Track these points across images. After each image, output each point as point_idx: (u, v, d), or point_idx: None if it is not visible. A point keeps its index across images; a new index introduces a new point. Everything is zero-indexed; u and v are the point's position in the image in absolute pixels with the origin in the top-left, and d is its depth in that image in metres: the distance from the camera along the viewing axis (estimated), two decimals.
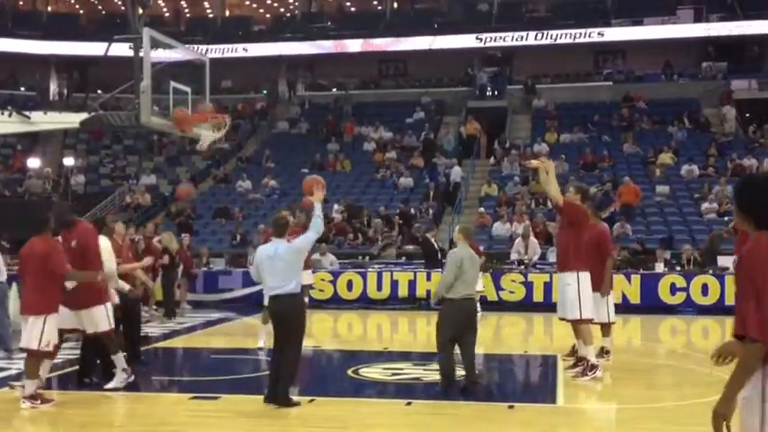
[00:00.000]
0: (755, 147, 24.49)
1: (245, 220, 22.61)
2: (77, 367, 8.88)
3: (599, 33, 31.44)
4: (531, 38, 31.84)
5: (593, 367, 8.94)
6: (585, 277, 9.03)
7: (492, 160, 25.78)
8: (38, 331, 7.48)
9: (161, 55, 13.15)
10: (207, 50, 22.02)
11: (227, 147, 28.33)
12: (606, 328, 9.81)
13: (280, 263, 7.53)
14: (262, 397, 7.77)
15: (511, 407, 7.81)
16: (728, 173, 22.61)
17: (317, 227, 7.71)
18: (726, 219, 19.87)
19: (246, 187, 25.33)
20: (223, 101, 29.11)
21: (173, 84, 13.23)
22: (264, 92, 33.73)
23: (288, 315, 7.59)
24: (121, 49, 13.61)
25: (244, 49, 33.85)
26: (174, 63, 14.10)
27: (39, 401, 7.52)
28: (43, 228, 7.73)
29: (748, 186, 3.71)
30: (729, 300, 15.68)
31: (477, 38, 32.27)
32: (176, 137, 23.39)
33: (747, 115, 27.26)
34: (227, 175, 26.85)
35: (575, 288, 9.02)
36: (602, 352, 9.66)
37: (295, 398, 7.70)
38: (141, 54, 12.32)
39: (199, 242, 20.20)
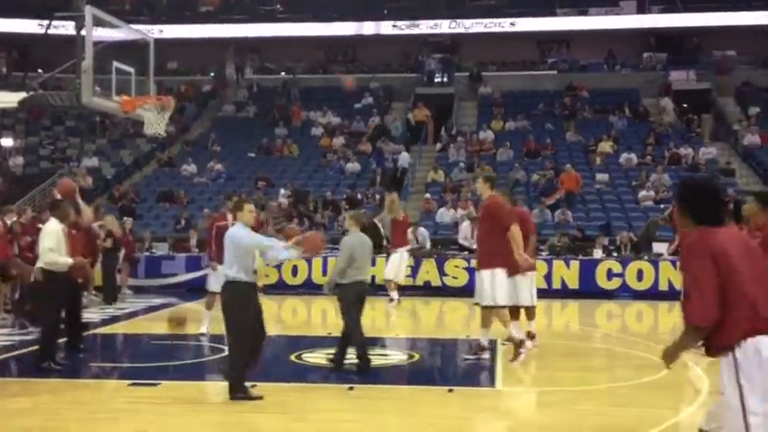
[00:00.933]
0: (692, 137, 25.15)
1: (190, 205, 22.41)
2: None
3: (544, 22, 31.83)
4: (478, 26, 32.07)
5: (521, 343, 9.19)
6: (501, 272, 9.15)
7: (438, 146, 25.97)
8: None
9: (104, 34, 12.95)
10: (152, 31, 21.69)
11: (173, 130, 27.96)
12: (530, 311, 9.95)
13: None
14: (202, 383, 7.77)
15: (450, 390, 7.97)
16: (665, 162, 23.20)
17: (275, 253, 7.52)
18: (662, 206, 20.41)
19: (192, 171, 25.09)
20: (168, 82, 28.75)
21: (116, 64, 13.04)
22: (211, 74, 33.35)
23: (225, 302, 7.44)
24: (63, 28, 13.36)
25: (190, 30, 33.36)
26: (118, 43, 13.89)
27: None
28: None
29: (685, 188, 4.08)
30: (663, 285, 16.19)
31: (425, 24, 32.37)
32: (120, 118, 23.03)
33: (685, 106, 27.93)
34: (172, 159, 26.54)
35: (489, 280, 9.14)
36: (529, 336, 9.85)
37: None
38: (83, 33, 12.12)
39: (142, 226, 19.97)
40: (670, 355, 3.87)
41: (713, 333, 3.63)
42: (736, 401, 3.56)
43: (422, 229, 18.00)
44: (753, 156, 23.78)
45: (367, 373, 8.52)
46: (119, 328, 12.58)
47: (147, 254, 18.16)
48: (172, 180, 24.70)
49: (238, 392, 7.27)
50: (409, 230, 16.63)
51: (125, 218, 18.50)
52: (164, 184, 24.19)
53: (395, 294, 15.04)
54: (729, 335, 3.60)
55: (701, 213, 3.86)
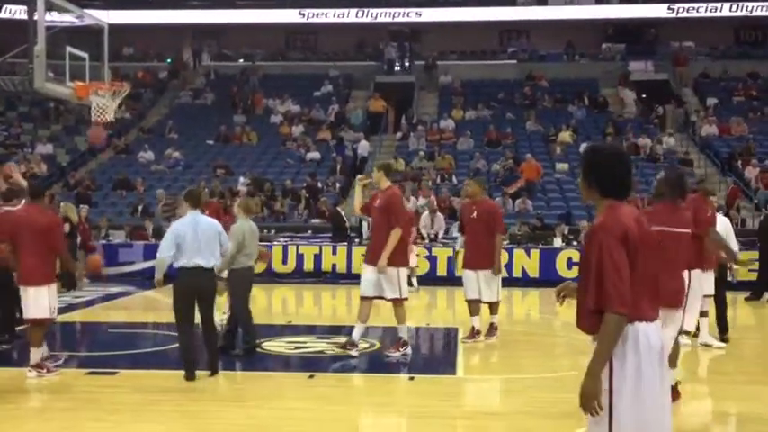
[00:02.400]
0: (650, 127, 25.44)
1: (147, 192, 22.08)
2: None
3: (504, 12, 31.92)
4: (438, 14, 32.04)
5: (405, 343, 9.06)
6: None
7: (399, 135, 25.92)
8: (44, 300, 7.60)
9: (57, 18, 12.66)
10: (106, 15, 21.23)
11: (128, 117, 27.52)
12: (495, 306, 9.88)
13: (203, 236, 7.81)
14: (161, 372, 7.64)
15: (411, 378, 7.95)
16: None
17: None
18: None
19: (148, 158, 24.71)
20: (124, 68, 28.26)
21: (69, 49, 12.75)
22: (168, 60, 32.84)
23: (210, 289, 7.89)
24: (15, 11, 13.01)
25: (147, 15, 32.78)
26: (72, 27, 13.59)
27: (44, 370, 7.65)
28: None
29: (593, 156, 3.81)
30: None
31: (386, 12, 32.24)
32: (74, 105, 22.55)
33: (643, 96, 28.24)
34: (128, 146, 26.11)
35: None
36: (492, 329, 9.84)
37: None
38: (36, 17, 11.82)
39: (97, 214, 19.62)
40: (598, 371, 3.44)
41: (596, 316, 3.46)
42: (605, 382, 3.44)
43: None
44: (710, 146, 24.14)
45: (252, 358, 8.72)
46: (76, 317, 12.34)
47: (104, 242, 17.86)
48: (128, 167, 24.30)
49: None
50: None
51: (81, 205, 18.16)
52: (120, 171, 23.78)
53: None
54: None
55: (609, 184, 3.65)
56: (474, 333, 9.68)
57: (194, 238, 7.73)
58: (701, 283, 6.99)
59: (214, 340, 8.03)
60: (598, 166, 3.71)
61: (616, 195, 3.66)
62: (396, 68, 31.34)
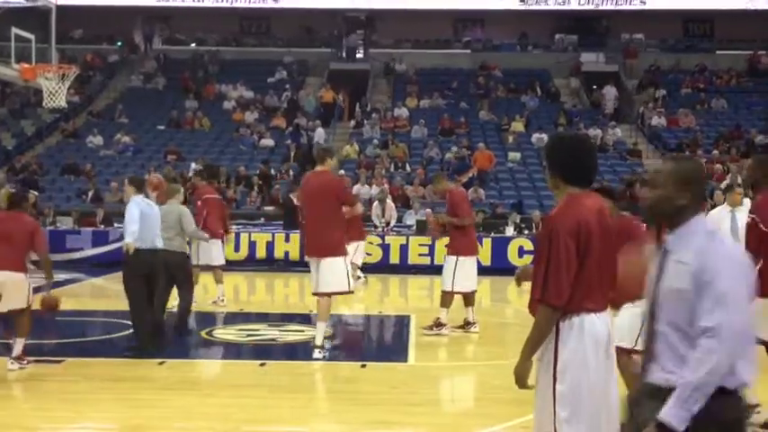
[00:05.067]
0: (599, 117, 25.79)
1: (97, 177, 21.68)
2: None
3: (459, 1, 31.96)
4: (393, 2, 31.97)
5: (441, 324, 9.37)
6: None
7: (353, 123, 25.86)
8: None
9: None
10: None
11: (77, 100, 26.95)
12: (470, 296, 9.83)
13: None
14: (109, 360, 7.53)
15: (363, 365, 7.96)
16: None
17: None
18: None
19: (97, 143, 24.26)
20: (72, 51, 27.66)
21: (15, 30, 12.43)
22: (119, 44, 32.22)
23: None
24: None
25: None
26: (18, 8, 13.25)
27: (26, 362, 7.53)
28: None
29: (558, 143, 3.90)
30: None
31: None
32: (19, 87, 22.03)
33: (594, 87, 28.59)
34: (77, 130, 25.57)
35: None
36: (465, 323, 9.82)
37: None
38: None
39: (44, 199, 19.22)
40: (528, 355, 3.54)
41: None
42: (549, 370, 3.52)
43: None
44: (659, 137, 24.56)
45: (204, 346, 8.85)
46: None
47: (51, 228, 17.48)
48: (76, 152, 23.83)
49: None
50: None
51: (30, 191, 17.79)
52: (68, 156, 23.31)
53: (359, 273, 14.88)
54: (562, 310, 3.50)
55: (572, 172, 3.65)
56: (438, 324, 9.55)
57: (152, 220, 8.05)
58: None
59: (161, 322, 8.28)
60: (562, 154, 3.73)
61: (579, 183, 3.67)
62: (356, 55, 31.21)
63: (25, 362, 7.49)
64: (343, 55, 31.48)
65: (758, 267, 5.44)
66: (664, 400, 2.75)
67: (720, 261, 2.79)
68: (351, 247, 14.51)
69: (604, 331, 3.59)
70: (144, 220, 7.99)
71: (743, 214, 7.40)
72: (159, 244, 8.24)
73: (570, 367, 3.49)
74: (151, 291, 8.14)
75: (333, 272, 8.09)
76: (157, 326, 8.26)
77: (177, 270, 8.90)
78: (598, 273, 3.56)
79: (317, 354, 8.01)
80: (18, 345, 7.49)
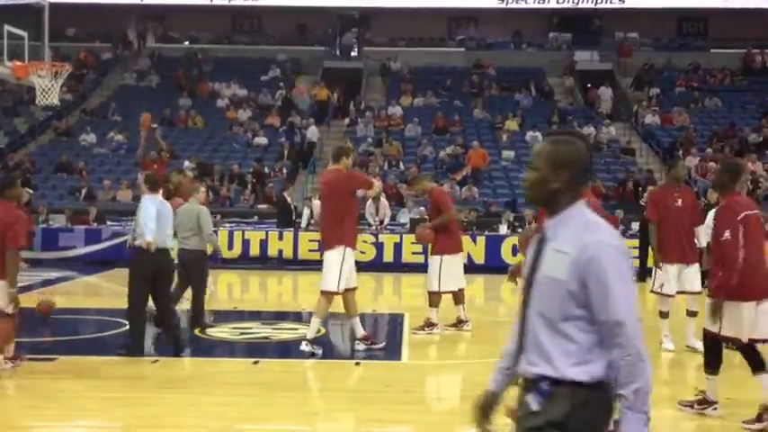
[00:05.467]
0: (593, 116, 25.82)
1: (90, 176, 21.62)
2: None
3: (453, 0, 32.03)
4: (387, 1, 31.96)
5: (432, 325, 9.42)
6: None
7: (347, 121, 25.83)
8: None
9: None
10: None
11: (70, 98, 26.87)
12: (459, 295, 9.81)
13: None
14: (102, 358, 7.51)
15: (357, 364, 7.95)
16: None
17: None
18: None
19: (91, 141, 24.19)
20: (66, 49, 27.57)
21: (8, 28, 12.38)
22: (112, 42, 32.11)
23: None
24: None
25: None
26: (11, 5, 13.19)
27: (19, 360, 7.34)
28: None
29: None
30: None
31: None
32: (13, 85, 21.94)
33: (588, 85, 28.63)
34: (70, 128, 25.50)
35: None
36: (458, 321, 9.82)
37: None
38: None
39: (38, 197, 19.17)
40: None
41: None
42: None
43: (317, 202, 17.94)
44: (652, 135, 24.59)
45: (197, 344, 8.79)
46: None
47: (44, 226, 17.45)
48: (69, 150, 23.75)
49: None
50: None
51: (26, 189, 17.76)
52: (61, 154, 23.24)
53: None
54: None
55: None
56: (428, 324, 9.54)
57: (164, 219, 8.04)
58: None
59: (171, 321, 8.23)
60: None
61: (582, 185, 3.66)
62: (352, 54, 31.19)
63: (19, 361, 7.34)
64: (338, 53, 31.44)
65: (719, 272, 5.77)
66: (526, 391, 2.67)
67: (604, 250, 2.60)
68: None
69: None
70: (157, 219, 7.92)
71: None
72: (169, 243, 8.21)
73: None
74: (156, 291, 8.05)
75: (327, 269, 8.14)
76: (167, 325, 8.18)
77: (192, 268, 9.15)
78: None
79: (303, 346, 8.05)
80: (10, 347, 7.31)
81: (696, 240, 8.22)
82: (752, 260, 5.67)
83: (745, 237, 5.68)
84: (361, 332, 8.47)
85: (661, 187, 8.07)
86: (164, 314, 8.19)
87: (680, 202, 8.13)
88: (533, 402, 2.63)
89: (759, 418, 5.77)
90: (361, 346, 8.40)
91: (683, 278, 8.24)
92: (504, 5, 31.72)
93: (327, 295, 8.23)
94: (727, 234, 5.71)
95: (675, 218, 8.13)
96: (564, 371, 2.60)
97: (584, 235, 2.64)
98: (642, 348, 2.58)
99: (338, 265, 8.08)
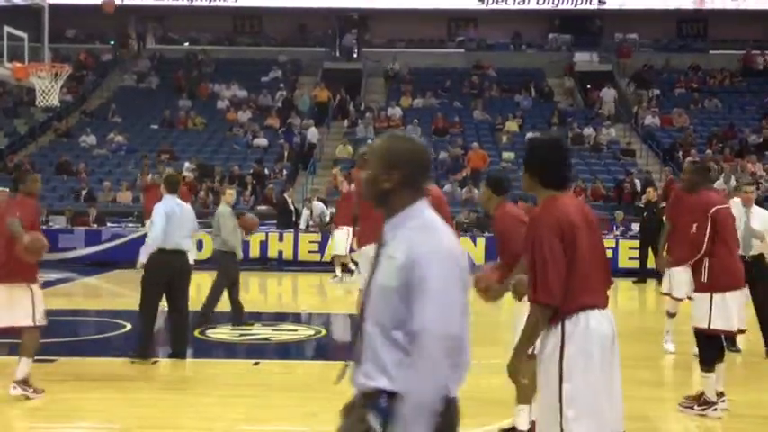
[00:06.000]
0: (593, 117, 25.82)
1: (90, 177, 21.62)
2: None
3: (453, 1, 31.98)
4: (387, 2, 31.97)
5: None
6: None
7: (347, 122, 25.83)
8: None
9: None
10: None
11: (70, 99, 26.88)
12: None
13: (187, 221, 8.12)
14: (101, 359, 7.50)
15: None
16: (569, 141, 23.74)
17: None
18: None
19: (91, 142, 24.18)
20: (66, 50, 27.57)
21: (7, 29, 12.39)
22: (112, 43, 32.13)
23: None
24: None
25: None
26: (10, 7, 13.19)
27: (31, 389, 6.51)
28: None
29: (534, 147, 3.93)
30: None
31: None
32: (13, 86, 21.95)
33: (588, 87, 28.63)
34: (70, 129, 25.51)
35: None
36: None
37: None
38: None
39: (38, 199, 19.13)
40: (521, 351, 3.64)
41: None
42: (555, 369, 3.53)
43: (317, 204, 17.99)
44: (652, 137, 24.59)
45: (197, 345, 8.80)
46: None
47: (44, 227, 17.42)
48: (69, 151, 23.75)
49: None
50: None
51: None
52: (61, 155, 23.24)
53: (338, 271, 14.92)
54: (563, 307, 3.52)
55: (549, 175, 3.71)
56: None
57: (180, 220, 7.95)
58: None
59: (185, 324, 8.17)
60: (538, 157, 3.78)
61: (556, 186, 3.72)
62: (353, 55, 31.20)
63: (31, 390, 6.49)
64: (337, 54, 31.44)
65: (706, 264, 6.06)
66: (364, 407, 2.48)
67: (429, 256, 2.42)
68: (342, 233, 14.56)
69: (609, 328, 3.62)
70: (170, 220, 7.77)
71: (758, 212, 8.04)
72: (185, 245, 7.99)
73: (577, 366, 3.51)
74: (171, 292, 7.92)
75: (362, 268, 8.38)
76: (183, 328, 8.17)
77: (217, 268, 9.58)
78: (591, 266, 3.60)
79: None
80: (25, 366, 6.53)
81: None
82: (722, 252, 6.03)
83: (714, 230, 6.04)
84: None
85: (681, 188, 8.01)
86: (180, 316, 8.04)
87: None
88: (374, 421, 2.43)
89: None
90: None
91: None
92: (484, 6, 31.62)
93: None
94: (694, 228, 6.09)
95: (687, 218, 8.03)
96: (399, 383, 2.43)
97: (414, 239, 2.46)
98: (439, 365, 2.38)
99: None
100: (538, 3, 31.86)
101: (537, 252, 3.55)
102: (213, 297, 9.54)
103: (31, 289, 6.47)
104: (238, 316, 9.63)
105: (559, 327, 3.54)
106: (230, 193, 10.15)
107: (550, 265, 3.51)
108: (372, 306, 2.52)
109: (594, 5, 31.58)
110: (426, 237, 2.47)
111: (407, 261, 2.43)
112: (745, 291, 6.91)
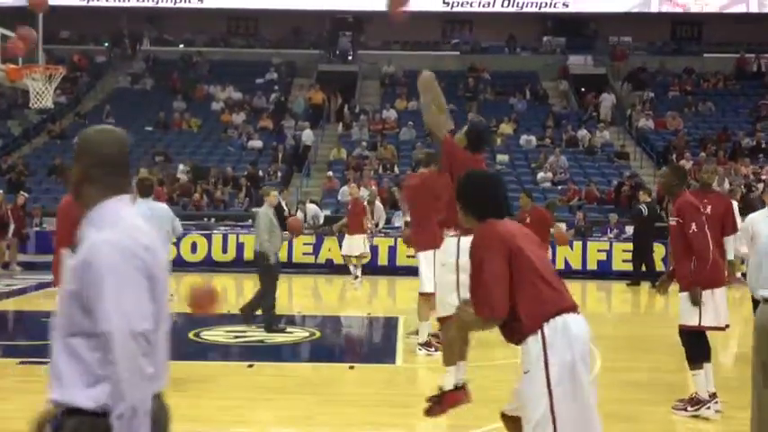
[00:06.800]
0: (588, 120, 25.87)
1: None
2: None
3: (445, 3, 32.00)
4: (381, 4, 31.88)
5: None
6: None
7: (341, 125, 25.84)
8: None
9: None
10: None
11: (64, 101, 26.83)
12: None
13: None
14: None
15: (351, 367, 7.96)
16: (563, 144, 23.80)
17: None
18: (559, 187, 20.97)
19: None
20: (59, 52, 27.52)
21: (1, 30, 12.37)
22: (106, 44, 32.10)
23: None
24: None
25: None
26: (4, 7, 13.17)
27: None
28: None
29: (466, 183, 3.92)
30: (560, 264, 16.63)
31: (330, 1, 31.99)
32: (7, 88, 21.89)
33: (582, 89, 28.69)
34: (64, 131, 25.46)
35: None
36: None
37: None
38: None
39: (31, 201, 19.14)
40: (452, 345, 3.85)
41: (516, 319, 3.56)
42: (541, 375, 3.49)
43: (311, 206, 18.01)
44: (646, 139, 24.65)
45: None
46: (8, 305, 12.03)
47: (38, 229, 17.43)
48: (64, 153, 23.69)
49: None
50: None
51: (21, 192, 17.82)
52: (55, 157, 23.19)
53: (358, 271, 14.97)
54: (536, 315, 3.52)
55: (484, 209, 3.75)
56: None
57: (152, 223, 7.76)
58: None
59: None
60: (472, 193, 3.82)
61: (496, 217, 3.75)
62: (348, 57, 31.21)
63: None
64: (335, 55, 31.45)
65: (692, 264, 6.10)
66: (47, 420, 2.34)
67: (103, 251, 2.27)
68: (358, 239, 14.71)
69: (581, 331, 3.61)
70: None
71: None
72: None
73: (565, 369, 3.50)
74: None
75: (420, 270, 8.31)
76: None
77: (260, 268, 9.67)
78: (548, 274, 3.64)
79: (418, 351, 8.45)
80: None
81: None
82: (712, 250, 6.14)
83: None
84: (423, 338, 8.57)
85: (690, 193, 7.75)
86: None
87: (708, 209, 7.16)
88: None
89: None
90: (422, 351, 8.48)
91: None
92: (442, 8, 31.62)
93: (424, 297, 8.29)
94: (694, 227, 6.06)
95: None
96: (72, 396, 2.27)
97: (92, 237, 2.31)
98: (137, 366, 2.25)
99: (430, 266, 8.12)
100: (469, 6, 31.78)
101: (477, 272, 3.62)
102: (269, 298, 9.66)
103: None
104: (249, 315, 9.68)
105: (539, 334, 3.52)
106: (273, 195, 10.09)
107: (493, 282, 3.54)
108: (59, 311, 2.36)
109: (588, 8, 31.57)
110: (104, 234, 2.30)
111: (83, 261, 2.28)
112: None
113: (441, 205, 8.03)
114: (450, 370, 5.68)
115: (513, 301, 3.53)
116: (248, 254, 16.97)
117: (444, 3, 31.79)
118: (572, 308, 3.62)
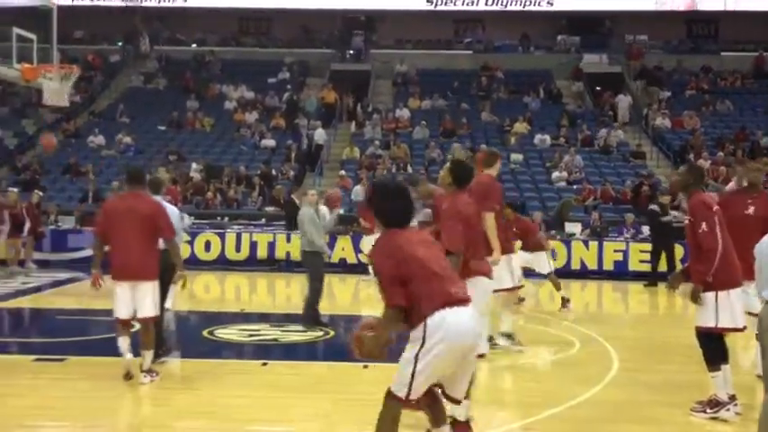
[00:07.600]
0: (604, 119, 25.70)
1: (98, 178, 21.65)
2: None
3: (460, 1, 31.91)
4: (394, 3, 31.91)
5: None
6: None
7: (354, 124, 25.80)
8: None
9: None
10: None
11: (78, 100, 26.93)
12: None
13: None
14: (109, 359, 7.49)
15: (365, 366, 7.89)
16: (578, 143, 23.66)
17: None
18: (574, 187, 20.84)
19: (99, 143, 24.22)
20: (74, 51, 27.63)
21: (16, 30, 12.41)
22: (119, 44, 32.21)
23: None
24: None
25: None
26: (19, 8, 13.23)
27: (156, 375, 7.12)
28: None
29: (373, 193, 4.52)
30: (576, 264, 16.61)
31: (342, 0, 31.97)
32: (22, 87, 21.99)
33: (598, 88, 28.51)
34: (78, 130, 25.56)
35: None
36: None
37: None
38: None
39: (46, 199, 19.19)
40: (378, 340, 4.40)
41: (412, 310, 4.25)
42: (411, 354, 4.28)
43: (322, 207, 17.92)
44: (662, 139, 24.47)
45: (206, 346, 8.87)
46: (24, 303, 12.07)
47: (53, 227, 17.50)
48: (78, 152, 23.79)
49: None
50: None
51: (36, 191, 17.89)
52: (69, 155, 23.27)
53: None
54: (425, 308, 4.22)
55: (389, 218, 4.33)
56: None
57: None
58: None
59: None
60: (377, 203, 4.39)
61: (396, 227, 4.34)
62: (361, 56, 31.18)
63: (155, 375, 7.10)
64: (346, 56, 31.42)
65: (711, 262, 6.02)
66: None
67: None
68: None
69: (465, 321, 4.27)
70: None
71: None
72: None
73: (433, 350, 4.22)
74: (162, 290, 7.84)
75: (498, 269, 8.01)
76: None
77: (308, 266, 9.82)
78: (439, 273, 4.27)
79: (500, 341, 8.74)
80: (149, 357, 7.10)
81: None
82: (727, 250, 6.05)
83: (719, 229, 6.06)
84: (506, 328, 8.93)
85: (732, 192, 7.62)
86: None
87: (752, 209, 7.08)
88: None
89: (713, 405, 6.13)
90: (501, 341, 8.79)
91: (747, 298, 6.53)
92: (426, 7, 31.48)
93: (505, 292, 8.58)
94: (704, 226, 6.03)
95: (741, 228, 6.59)
96: None
97: None
98: None
99: (507, 264, 8.36)
100: (452, 3, 31.61)
101: (377, 274, 4.35)
102: (314, 297, 9.81)
103: None
104: (312, 317, 9.82)
105: (423, 323, 4.24)
106: (312, 194, 10.19)
107: (389, 282, 4.26)
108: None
109: (603, 7, 31.36)
110: None
111: None
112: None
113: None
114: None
115: (412, 296, 4.22)
116: (261, 252, 17.00)
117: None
118: (457, 302, 4.24)
